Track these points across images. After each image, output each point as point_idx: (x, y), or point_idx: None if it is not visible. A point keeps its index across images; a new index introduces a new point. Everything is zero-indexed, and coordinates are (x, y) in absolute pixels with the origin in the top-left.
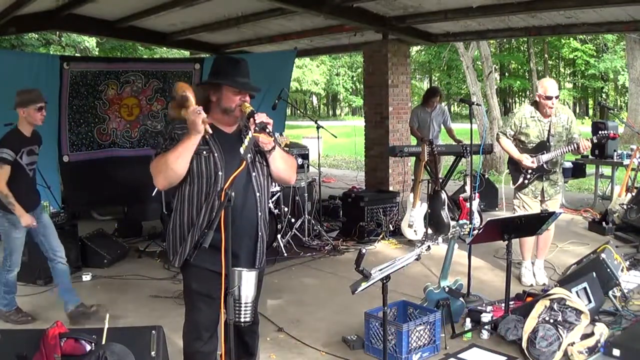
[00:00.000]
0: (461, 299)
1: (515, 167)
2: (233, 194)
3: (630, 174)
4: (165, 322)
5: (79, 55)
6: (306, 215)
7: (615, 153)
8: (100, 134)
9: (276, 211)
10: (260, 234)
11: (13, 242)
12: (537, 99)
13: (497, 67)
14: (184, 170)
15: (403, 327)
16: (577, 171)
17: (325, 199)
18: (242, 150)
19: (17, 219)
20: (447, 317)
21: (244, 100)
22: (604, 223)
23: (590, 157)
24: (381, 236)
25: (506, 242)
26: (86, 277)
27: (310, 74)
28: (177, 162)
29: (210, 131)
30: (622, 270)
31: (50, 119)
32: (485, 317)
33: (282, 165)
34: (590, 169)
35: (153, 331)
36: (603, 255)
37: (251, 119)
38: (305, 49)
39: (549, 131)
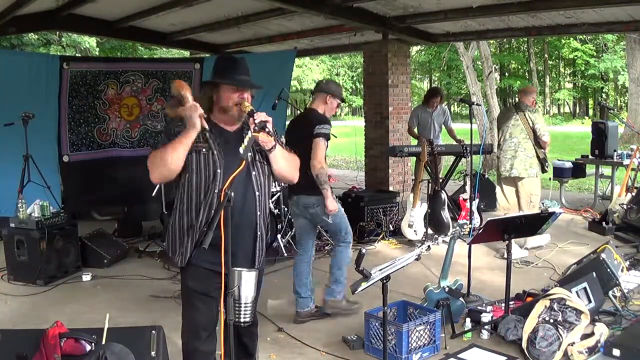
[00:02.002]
0: (461, 299)
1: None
2: (232, 194)
3: (630, 174)
4: (165, 322)
5: (79, 55)
6: None
7: (615, 153)
8: (101, 134)
9: (276, 211)
10: (259, 233)
11: (342, 216)
12: (531, 102)
13: (497, 67)
14: (178, 165)
15: (403, 327)
16: (577, 171)
17: None
18: (241, 149)
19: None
20: (447, 317)
21: (242, 98)
22: (604, 223)
23: (590, 157)
24: (381, 236)
25: (506, 242)
26: (86, 277)
27: (310, 72)
28: (172, 156)
29: (207, 126)
30: (622, 270)
31: (50, 119)
32: (485, 317)
33: (284, 164)
34: (590, 169)
35: (153, 331)
36: (603, 255)
37: (251, 119)
38: (305, 49)
39: None
